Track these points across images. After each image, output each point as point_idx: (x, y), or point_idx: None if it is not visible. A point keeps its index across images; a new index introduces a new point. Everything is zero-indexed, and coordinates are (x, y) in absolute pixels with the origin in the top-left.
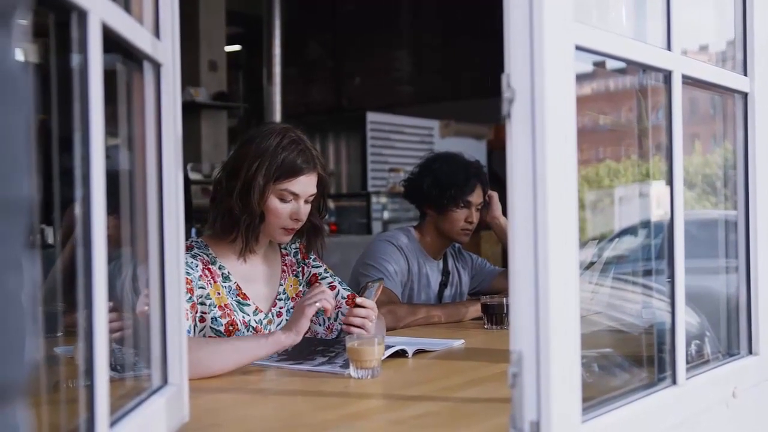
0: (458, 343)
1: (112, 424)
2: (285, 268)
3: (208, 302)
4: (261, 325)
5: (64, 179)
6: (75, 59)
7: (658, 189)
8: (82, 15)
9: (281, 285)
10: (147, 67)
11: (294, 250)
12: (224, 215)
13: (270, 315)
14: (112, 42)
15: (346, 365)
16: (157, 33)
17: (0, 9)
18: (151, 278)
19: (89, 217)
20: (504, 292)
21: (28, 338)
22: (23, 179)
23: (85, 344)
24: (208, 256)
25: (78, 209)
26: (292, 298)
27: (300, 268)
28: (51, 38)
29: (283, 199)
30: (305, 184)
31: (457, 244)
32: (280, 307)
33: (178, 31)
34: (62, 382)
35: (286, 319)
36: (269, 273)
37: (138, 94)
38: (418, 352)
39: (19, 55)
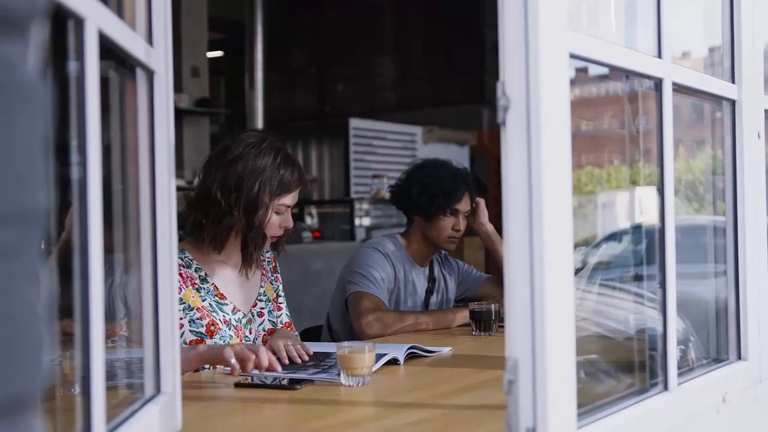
0: (446, 351)
1: None
2: (264, 271)
3: (182, 306)
4: (240, 323)
5: (58, 186)
6: (71, 66)
7: (641, 195)
8: (79, 22)
9: (262, 287)
10: (140, 74)
11: (268, 259)
12: (224, 231)
13: (250, 315)
14: (105, 49)
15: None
16: (150, 40)
17: (17, 19)
18: (143, 287)
19: (86, 224)
20: (490, 298)
21: (44, 348)
22: (40, 189)
23: (81, 353)
24: (182, 259)
25: (74, 216)
26: (272, 300)
27: (274, 277)
28: (47, 45)
29: (278, 212)
30: (296, 196)
31: (443, 251)
32: (261, 308)
33: (170, 38)
34: (56, 390)
35: (269, 320)
36: (240, 275)
37: (130, 101)
38: (410, 356)
39: (36, 65)
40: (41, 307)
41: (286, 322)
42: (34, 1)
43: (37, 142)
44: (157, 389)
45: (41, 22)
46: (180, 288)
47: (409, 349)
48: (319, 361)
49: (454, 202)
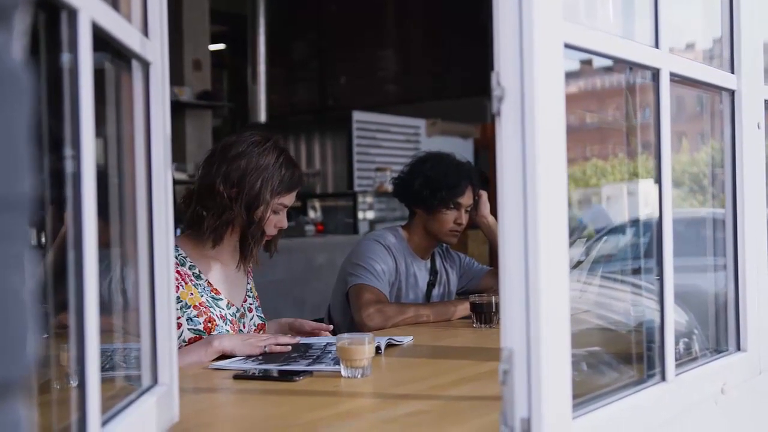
0: (407, 340)
1: (104, 423)
2: (250, 268)
3: (179, 305)
4: (235, 317)
5: (51, 180)
6: (64, 58)
7: (645, 187)
8: (72, 14)
9: (248, 283)
10: (135, 66)
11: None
12: (224, 225)
13: (242, 309)
14: (100, 40)
15: (337, 362)
16: (145, 31)
17: (0, 8)
18: (140, 279)
19: (80, 218)
20: (492, 290)
21: (30, 335)
22: (25, 176)
23: (76, 345)
24: (176, 257)
25: (68, 210)
26: (256, 297)
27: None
28: (40, 37)
29: (275, 211)
30: (294, 197)
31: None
32: (250, 303)
33: (166, 29)
34: (53, 382)
35: (257, 315)
36: (237, 271)
37: (126, 94)
38: (389, 346)
39: (19, 54)
40: (27, 294)
41: (258, 324)
42: None
43: (21, 130)
44: (154, 380)
45: (25, 10)
46: (178, 286)
47: (387, 343)
48: (304, 352)
49: (457, 196)
